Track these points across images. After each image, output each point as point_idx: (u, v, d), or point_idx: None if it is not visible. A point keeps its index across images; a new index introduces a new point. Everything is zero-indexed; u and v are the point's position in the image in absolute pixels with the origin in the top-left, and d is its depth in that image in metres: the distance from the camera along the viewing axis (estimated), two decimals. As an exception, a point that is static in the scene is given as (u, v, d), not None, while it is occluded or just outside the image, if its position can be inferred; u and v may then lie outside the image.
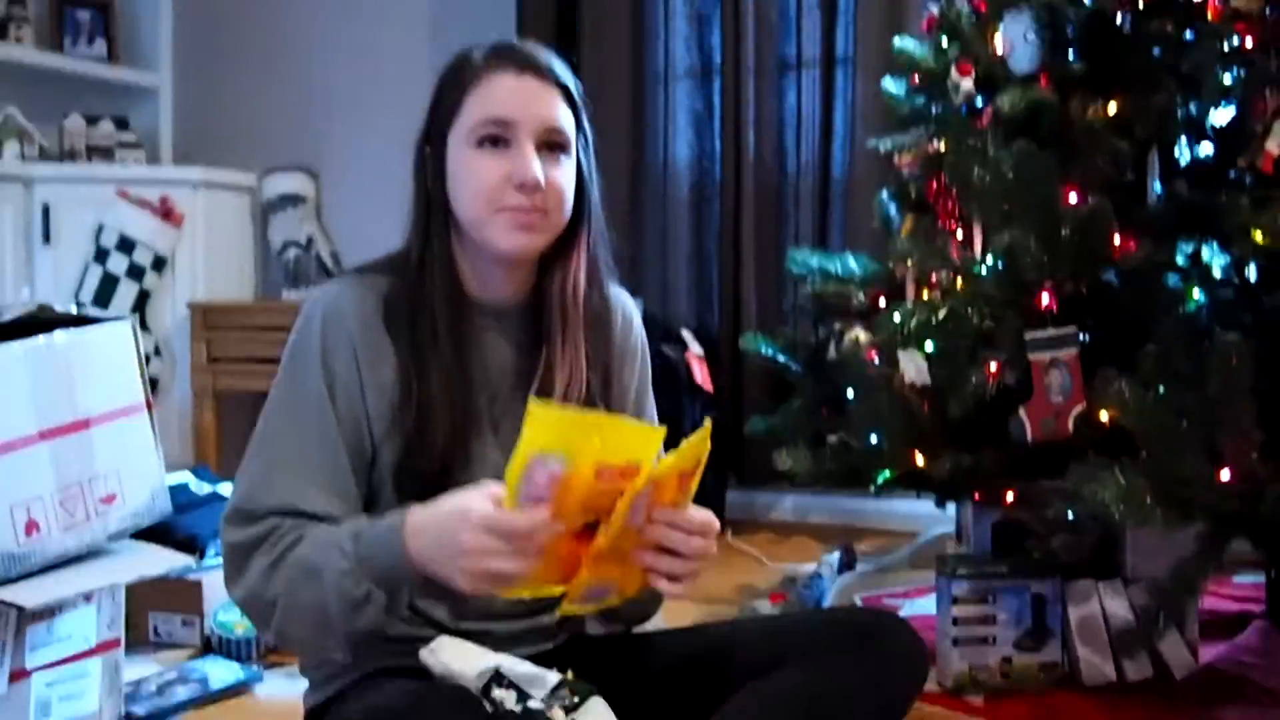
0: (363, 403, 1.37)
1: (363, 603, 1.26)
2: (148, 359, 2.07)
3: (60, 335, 1.90)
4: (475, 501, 1.20)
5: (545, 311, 1.45)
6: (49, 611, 1.85)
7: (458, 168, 1.40)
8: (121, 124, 4.36)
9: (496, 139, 1.37)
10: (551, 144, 1.39)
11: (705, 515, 1.26)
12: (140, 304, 3.98)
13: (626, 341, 1.57)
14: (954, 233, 2.21)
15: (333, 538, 1.28)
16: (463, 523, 1.18)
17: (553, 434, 1.13)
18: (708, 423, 1.21)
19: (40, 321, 1.91)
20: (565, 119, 1.40)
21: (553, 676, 1.33)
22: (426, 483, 1.36)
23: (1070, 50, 2.10)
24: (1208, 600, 2.40)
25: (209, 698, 2.12)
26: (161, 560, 2.03)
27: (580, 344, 1.46)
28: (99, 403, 1.93)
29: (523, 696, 1.31)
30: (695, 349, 3.28)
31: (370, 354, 1.37)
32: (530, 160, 1.35)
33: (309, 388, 1.36)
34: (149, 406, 2.02)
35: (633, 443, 1.19)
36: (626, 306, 1.60)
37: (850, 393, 2.27)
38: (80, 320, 1.97)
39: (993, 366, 1.92)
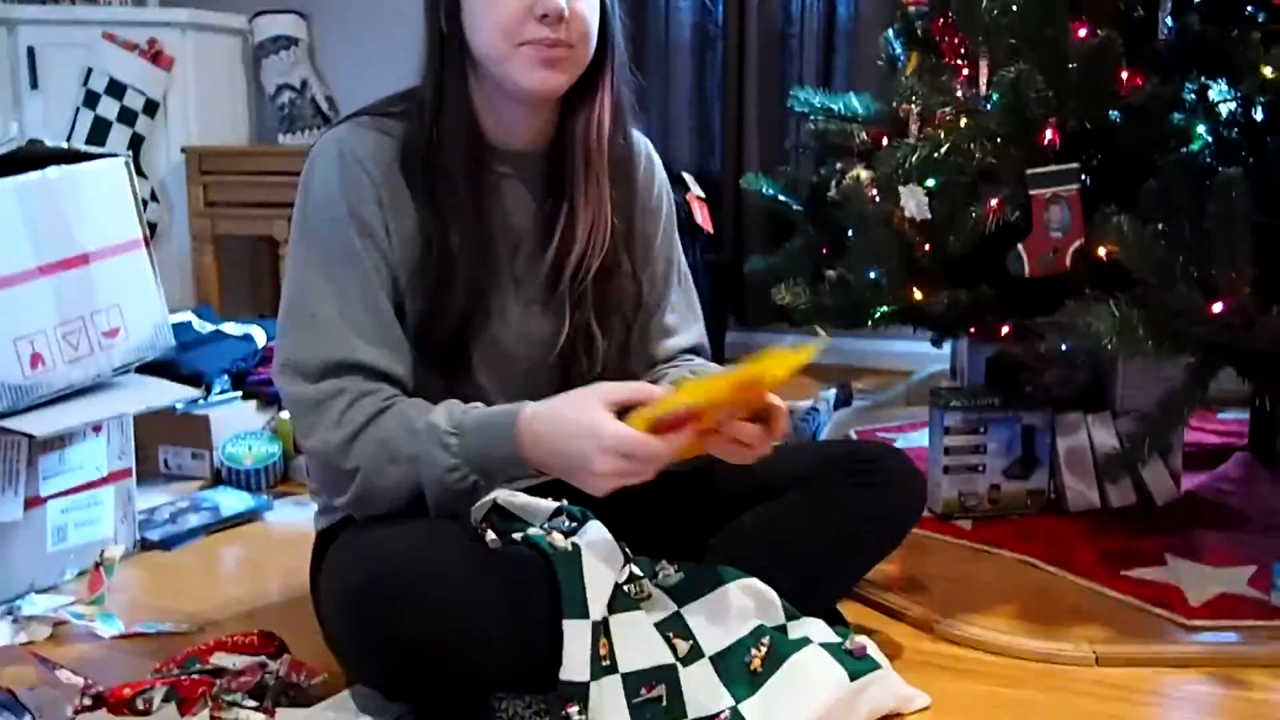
0: (391, 251, 1.34)
1: (467, 493, 1.28)
2: (144, 204, 2.07)
3: (54, 171, 1.90)
4: (604, 421, 1.20)
5: (567, 155, 1.41)
6: (59, 441, 1.90)
7: (474, 1, 1.33)
8: (106, -36, 4.26)
9: None
10: None
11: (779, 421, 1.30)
12: (134, 148, 3.95)
13: (650, 190, 1.54)
14: (960, 70, 2.18)
15: (430, 427, 1.27)
16: (593, 443, 1.20)
17: (699, 395, 1.20)
18: (820, 342, 1.26)
19: (33, 157, 1.90)
20: None
21: (549, 504, 1.36)
22: (448, 336, 1.37)
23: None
24: (1192, 434, 2.47)
25: (221, 524, 2.17)
26: (167, 392, 2.07)
27: (605, 188, 1.41)
28: (97, 238, 1.94)
29: (521, 525, 1.34)
30: (696, 190, 3.27)
31: (393, 201, 1.34)
32: None
33: (338, 235, 1.33)
34: (147, 243, 2.03)
35: (768, 367, 1.22)
36: (650, 153, 1.57)
37: (850, 231, 2.27)
38: (73, 156, 1.96)
39: (993, 202, 1.92)
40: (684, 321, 1.59)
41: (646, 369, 1.55)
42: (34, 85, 3.92)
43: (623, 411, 1.23)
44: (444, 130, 1.35)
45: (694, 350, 1.59)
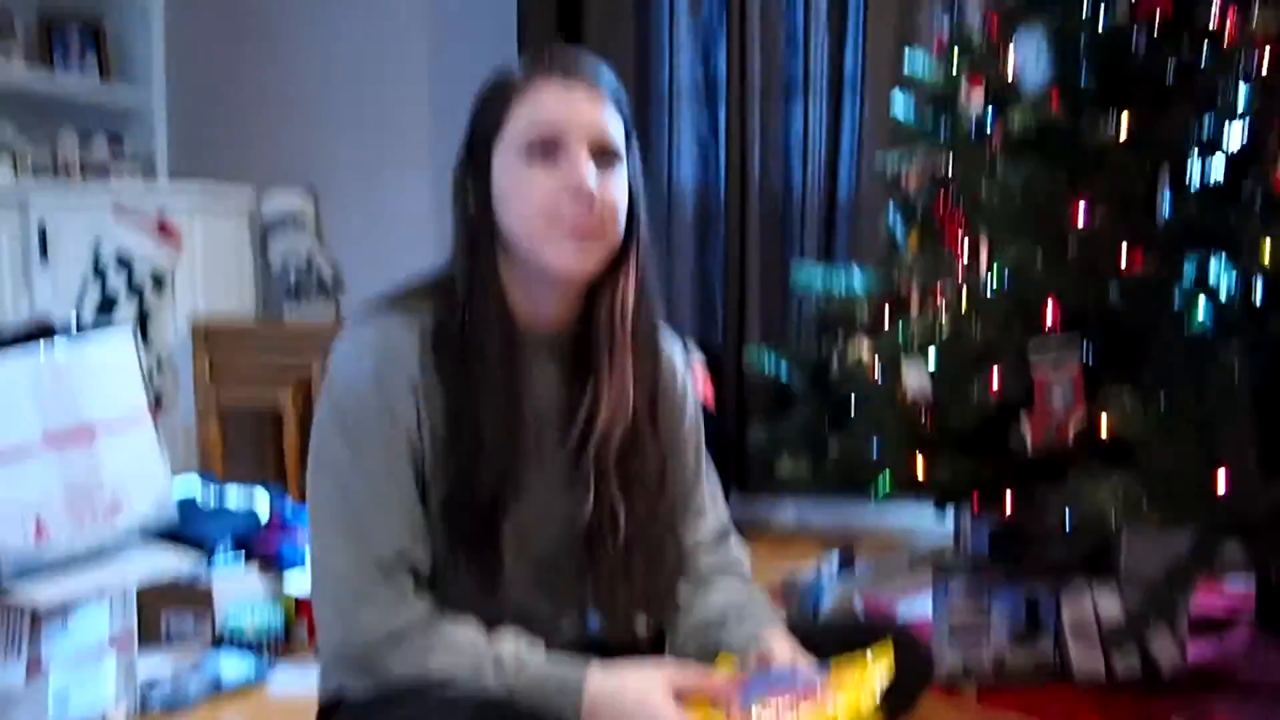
0: (420, 441, 1.33)
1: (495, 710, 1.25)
2: (150, 375, 2.10)
3: (61, 346, 1.93)
4: (663, 705, 1.21)
5: (593, 334, 1.40)
6: (63, 608, 1.88)
7: (507, 184, 1.32)
8: (116, 141, 4.37)
9: (547, 147, 1.29)
10: (603, 154, 1.32)
11: None
12: (141, 322, 3.99)
13: (674, 384, 1.52)
14: (959, 250, 2.24)
15: (495, 657, 1.27)
16: None
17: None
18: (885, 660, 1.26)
19: (41, 331, 1.94)
20: (615, 128, 1.34)
21: None
22: (477, 516, 1.35)
23: (1082, 68, 2.12)
24: (1198, 603, 2.45)
25: (223, 689, 2.14)
26: (171, 565, 2.06)
27: (628, 369, 1.40)
28: (102, 411, 1.96)
29: None
30: (698, 355, 3.31)
31: (425, 388, 1.33)
32: (585, 167, 1.28)
33: (371, 426, 1.31)
34: (153, 414, 2.05)
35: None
36: (675, 350, 1.56)
37: (852, 404, 2.31)
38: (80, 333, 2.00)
39: (995, 378, 1.95)
40: (712, 505, 1.60)
41: (681, 558, 1.54)
42: (44, 257, 3.98)
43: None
44: (476, 313, 1.34)
45: (721, 533, 1.59)
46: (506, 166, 1.32)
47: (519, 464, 1.38)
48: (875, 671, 1.26)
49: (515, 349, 1.37)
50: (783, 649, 1.35)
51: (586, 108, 1.31)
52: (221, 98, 4.47)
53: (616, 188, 1.34)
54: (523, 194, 1.31)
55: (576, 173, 1.28)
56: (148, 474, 2.02)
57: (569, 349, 1.42)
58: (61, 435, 1.89)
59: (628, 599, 1.48)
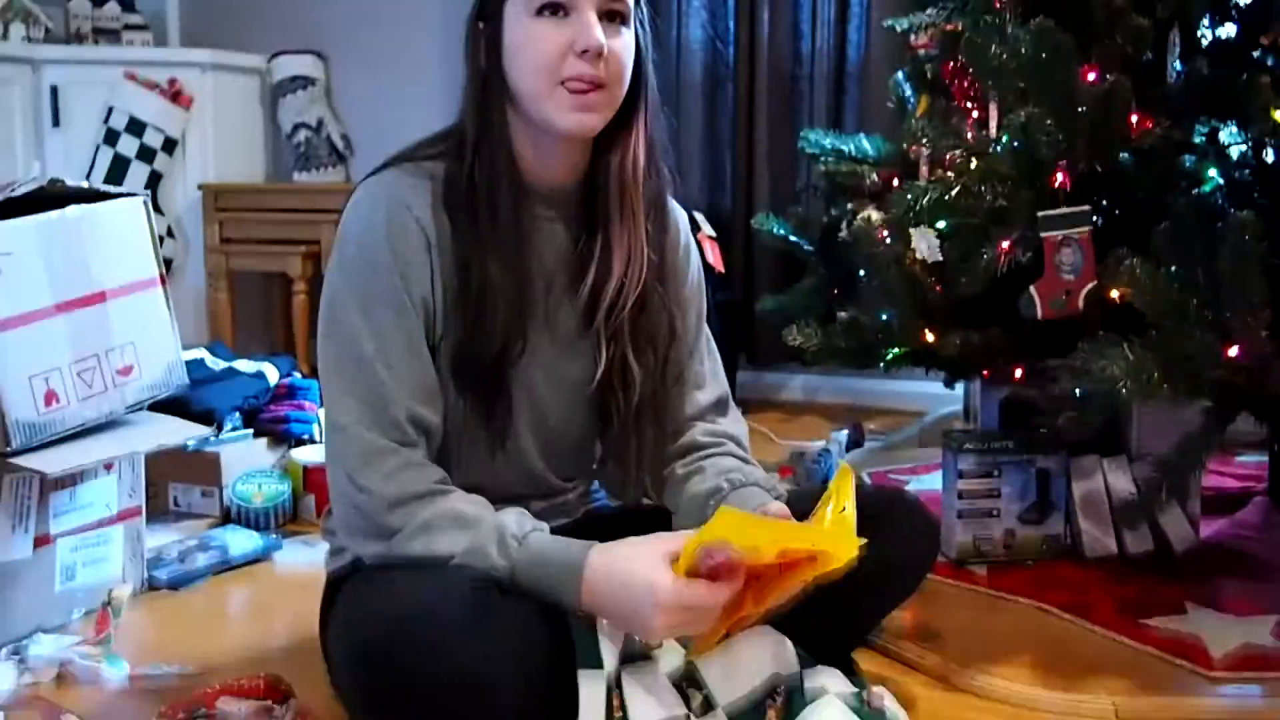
0: (432, 292, 1.36)
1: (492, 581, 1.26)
2: (161, 240, 2.08)
3: (73, 209, 1.91)
4: (660, 577, 1.19)
5: (602, 191, 1.42)
6: (70, 479, 1.90)
7: (516, 39, 1.34)
8: (127, 6, 4.31)
9: (557, 7, 1.32)
10: (611, 13, 1.35)
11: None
12: (152, 185, 3.98)
13: (678, 246, 1.55)
14: (969, 113, 2.19)
15: (497, 525, 1.27)
16: (648, 599, 1.19)
17: (733, 531, 1.18)
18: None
19: (53, 196, 1.92)
20: None
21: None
22: (484, 371, 1.37)
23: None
24: (1210, 478, 2.45)
25: (230, 565, 2.17)
26: (179, 430, 2.07)
27: (640, 224, 1.43)
28: (113, 276, 1.95)
29: None
30: (707, 230, 3.28)
31: (439, 242, 1.35)
32: (592, 26, 1.31)
33: (383, 280, 1.33)
34: (163, 281, 2.04)
35: (819, 538, 1.22)
36: (684, 221, 1.58)
37: (861, 272, 2.27)
38: (92, 195, 1.98)
39: (1005, 244, 1.92)
40: (712, 373, 1.59)
41: (681, 425, 1.54)
42: (55, 123, 3.96)
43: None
44: (485, 166, 1.37)
45: (719, 403, 1.58)
46: (517, 22, 1.34)
47: (525, 318, 1.39)
48: (842, 488, 1.27)
49: (523, 201, 1.39)
50: (781, 510, 1.35)
51: None
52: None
53: (623, 47, 1.36)
54: (530, 49, 1.33)
55: (584, 29, 1.31)
56: (158, 340, 2.01)
57: (576, 205, 1.44)
58: (73, 300, 1.88)
59: (637, 459, 1.50)
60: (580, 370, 1.46)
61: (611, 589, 1.23)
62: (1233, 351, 1.69)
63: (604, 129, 1.39)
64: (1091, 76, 1.93)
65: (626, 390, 1.46)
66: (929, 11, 2.35)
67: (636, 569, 1.22)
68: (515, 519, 1.30)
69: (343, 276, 1.35)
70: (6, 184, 1.92)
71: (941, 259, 1.98)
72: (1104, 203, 2.05)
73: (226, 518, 2.39)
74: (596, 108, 1.34)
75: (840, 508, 1.26)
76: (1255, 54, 1.98)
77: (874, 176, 2.40)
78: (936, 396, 3.05)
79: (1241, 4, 2.02)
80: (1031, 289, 1.89)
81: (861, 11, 3.43)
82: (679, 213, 1.57)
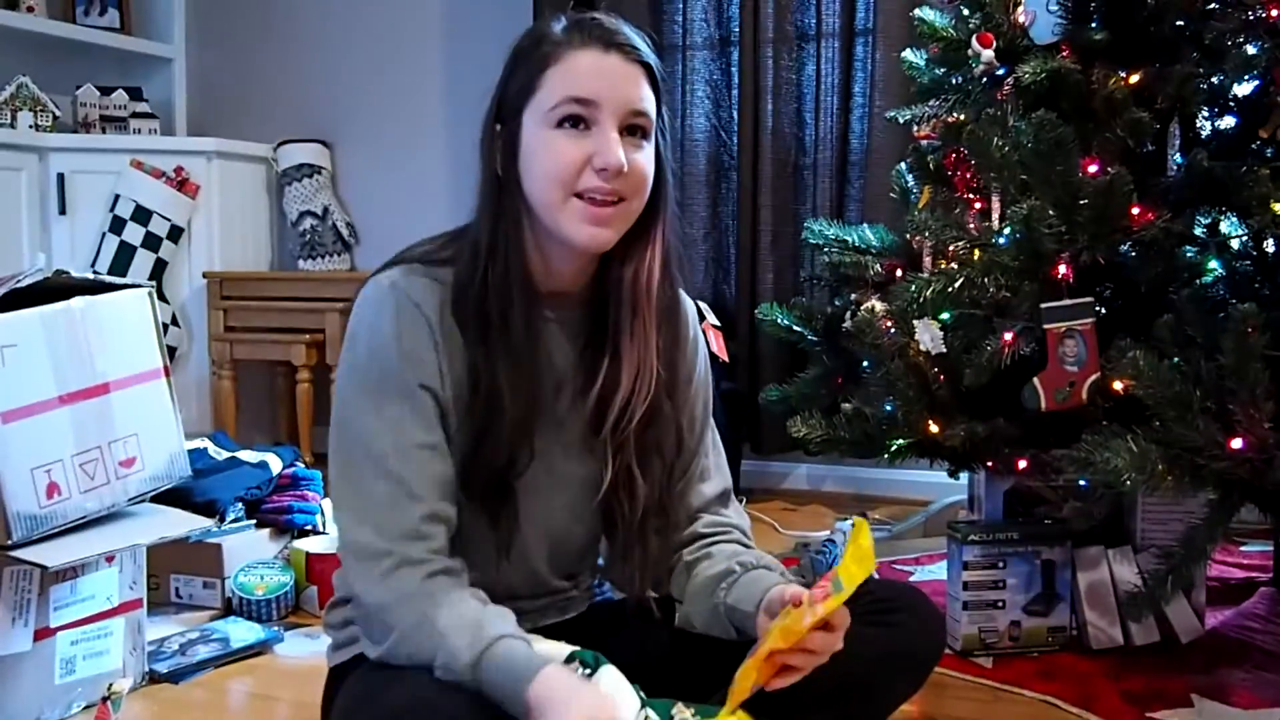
0: (444, 392, 1.33)
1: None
2: (165, 328, 2.09)
3: (78, 301, 1.92)
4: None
5: (614, 302, 1.38)
6: (71, 571, 1.89)
7: (534, 147, 1.30)
8: (135, 94, 4.37)
9: (578, 119, 1.28)
10: (633, 127, 1.30)
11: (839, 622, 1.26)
12: (157, 274, 4.00)
13: (688, 337, 1.52)
14: (972, 203, 2.21)
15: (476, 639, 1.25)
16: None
17: (779, 641, 1.22)
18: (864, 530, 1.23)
19: (57, 287, 1.93)
20: (648, 101, 1.32)
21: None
22: (493, 476, 1.36)
23: (1093, 20, 2.09)
24: (1215, 568, 2.43)
25: (230, 656, 2.14)
26: (181, 523, 2.06)
27: (651, 337, 1.39)
28: (117, 367, 1.95)
29: None
30: (711, 319, 3.29)
31: (447, 344, 1.33)
32: (614, 143, 1.27)
33: (394, 376, 1.31)
34: (167, 372, 2.05)
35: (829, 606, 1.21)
36: (693, 315, 1.55)
37: (865, 362, 2.28)
38: (98, 287, 1.99)
39: (1008, 336, 1.93)
40: (716, 466, 1.59)
41: (685, 519, 1.53)
42: (62, 211, 3.99)
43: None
44: (498, 273, 1.33)
45: (723, 495, 1.58)
46: (535, 130, 1.30)
47: (535, 424, 1.37)
48: (859, 538, 1.23)
49: (535, 312, 1.36)
50: (795, 591, 1.32)
51: (622, 80, 1.30)
52: (240, 51, 4.47)
53: (644, 161, 1.31)
54: (547, 160, 1.29)
55: (605, 145, 1.27)
56: (160, 432, 2.01)
57: (583, 312, 1.42)
58: (76, 391, 1.88)
59: (642, 560, 1.48)
60: (587, 475, 1.44)
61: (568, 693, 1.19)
62: (1236, 443, 1.70)
63: (624, 238, 1.36)
64: (1093, 168, 1.96)
65: (632, 500, 1.44)
66: (931, 104, 2.39)
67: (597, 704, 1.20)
68: (501, 622, 1.27)
69: (353, 378, 1.34)
70: (11, 275, 1.93)
71: (945, 350, 1.99)
72: (1107, 292, 2.07)
73: (228, 609, 2.37)
74: (612, 222, 1.31)
75: (858, 545, 1.23)
76: (1254, 145, 2.01)
77: (877, 267, 2.41)
78: (941, 485, 3.03)
79: (1239, 95, 2.06)
80: (1035, 381, 1.90)
81: (865, 101, 3.46)
82: (688, 306, 1.57)
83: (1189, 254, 1.98)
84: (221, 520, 2.39)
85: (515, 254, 1.34)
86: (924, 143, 2.49)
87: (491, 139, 1.35)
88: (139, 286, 2.05)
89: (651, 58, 1.34)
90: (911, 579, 2.55)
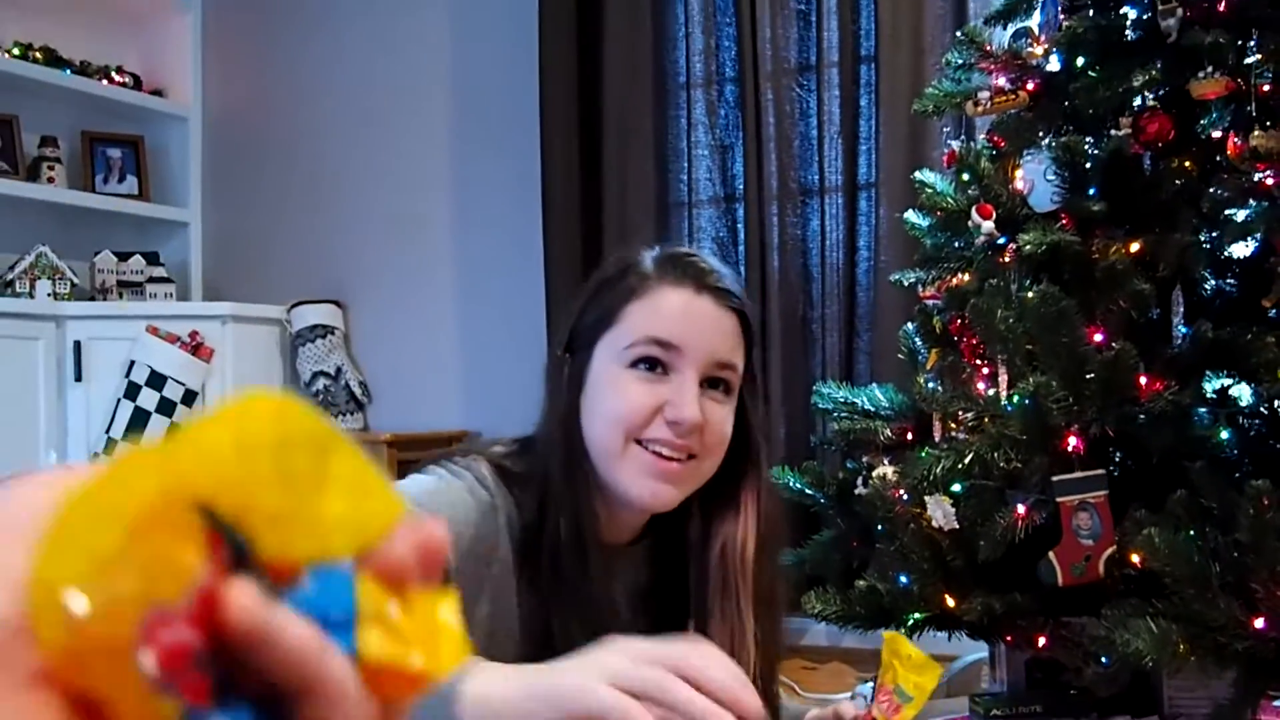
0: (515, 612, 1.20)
1: None
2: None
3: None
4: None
5: (697, 579, 1.23)
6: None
7: (600, 384, 1.19)
8: (152, 259, 4.45)
9: (655, 362, 1.17)
10: (715, 380, 1.19)
11: None
12: (171, 437, 4.01)
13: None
14: (980, 368, 2.22)
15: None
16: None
17: None
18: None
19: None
20: (736, 353, 1.21)
21: None
22: None
23: (1090, 189, 2.12)
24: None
25: None
26: None
27: (748, 625, 1.22)
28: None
29: None
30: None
31: (499, 580, 1.20)
32: (692, 395, 1.15)
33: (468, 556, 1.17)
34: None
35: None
36: None
37: (879, 529, 2.26)
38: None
39: (1020, 509, 1.91)
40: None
41: None
42: (78, 378, 4.03)
43: None
44: (569, 528, 1.18)
45: None
46: (606, 365, 1.19)
47: None
48: (901, 649, 1.18)
49: (604, 566, 1.21)
50: (850, 707, 1.26)
51: (711, 327, 1.19)
52: (254, 215, 4.56)
53: (723, 418, 1.19)
54: (614, 399, 1.17)
55: (681, 396, 1.15)
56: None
57: (643, 570, 1.29)
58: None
59: None
60: None
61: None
62: (1259, 623, 1.67)
63: (707, 502, 1.23)
64: (1098, 338, 1.96)
65: None
66: (935, 267, 2.41)
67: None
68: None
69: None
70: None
71: (958, 526, 1.97)
72: (1118, 460, 2.06)
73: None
74: (679, 480, 1.17)
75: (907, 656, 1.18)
76: (1259, 309, 2.01)
77: (888, 431, 2.41)
78: (963, 642, 2.98)
79: (1240, 257, 2.07)
80: (1051, 555, 1.88)
81: (870, 255, 3.50)
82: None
83: (1200, 420, 1.97)
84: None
85: (588, 510, 1.19)
86: (930, 303, 2.50)
87: (558, 365, 1.23)
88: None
89: (747, 305, 1.23)
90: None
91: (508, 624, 1.22)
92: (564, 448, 1.20)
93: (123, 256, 4.39)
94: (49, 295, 4.10)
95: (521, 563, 1.19)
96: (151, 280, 4.41)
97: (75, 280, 4.20)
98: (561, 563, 1.18)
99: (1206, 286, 2.14)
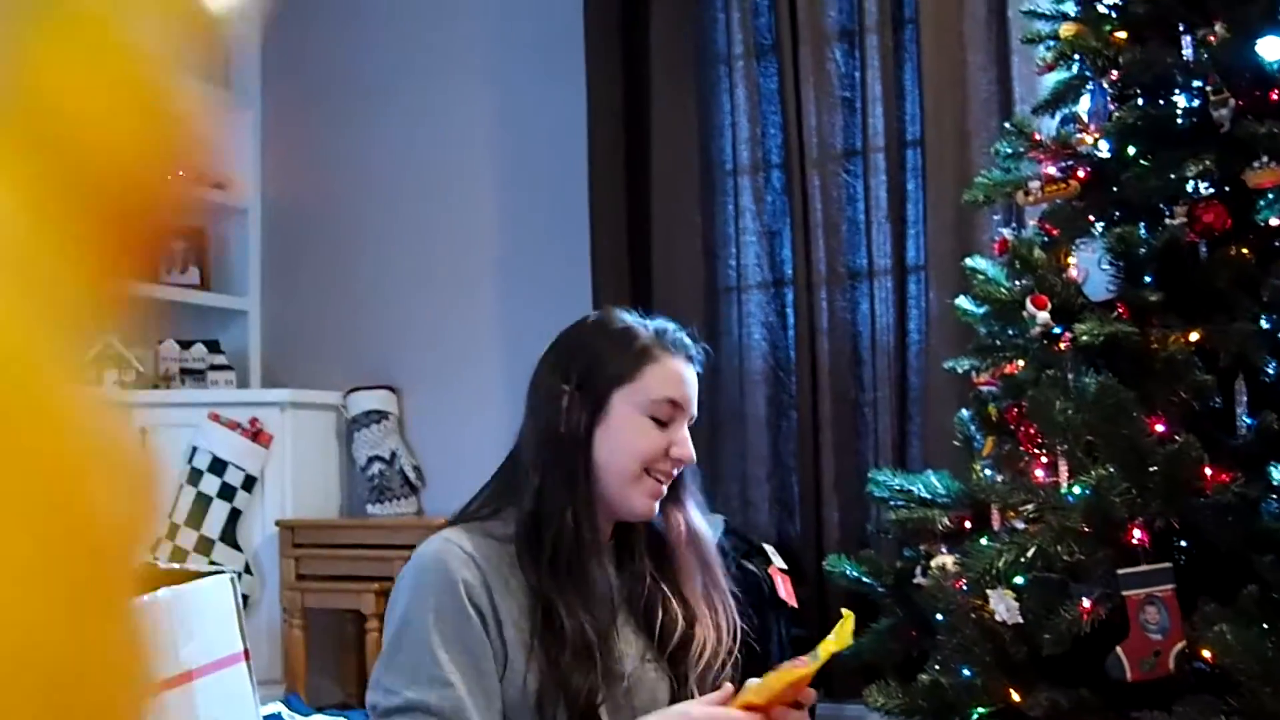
0: (499, 633, 1.41)
1: None
2: (239, 575, 2.12)
3: (164, 593, 1.95)
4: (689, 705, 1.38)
5: (671, 559, 1.55)
6: None
7: (624, 426, 1.48)
8: (213, 346, 4.52)
9: (666, 413, 1.48)
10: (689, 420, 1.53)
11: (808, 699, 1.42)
12: (231, 522, 4.07)
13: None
14: (1038, 456, 2.21)
15: None
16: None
17: (763, 696, 1.35)
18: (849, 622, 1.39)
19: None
20: None
21: None
22: (574, 710, 1.41)
23: (1146, 277, 2.12)
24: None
25: None
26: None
27: (728, 597, 1.56)
28: (200, 655, 1.97)
29: None
30: (778, 562, 3.27)
31: (500, 586, 1.42)
32: (689, 441, 1.50)
33: (450, 615, 1.38)
34: (247, 655, 2.06)
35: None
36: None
37: (939, 619, 2.25)
38: (181, 575, 2.03)
39: (1086, 603, 1.90)
40: None
41: None
42: (141, 465, 4.09)
43: None
44: (566, 526, 1.45)
45: None
46: (628, 411, 1.48)
47: (602, 653, 1.45)
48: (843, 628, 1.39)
49: (591, 554, 1.47)
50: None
51: (693, 390, 1.53)
52: (311, 304, 4.63)
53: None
54: (637, 442, 1.48)
55: (683, 442, 1.50)
56: (240, 716, 2.01)
57: (613, 555, 1.56)
58: (162, 683, 1.90)
59: None
60: (660, 685, 1.51)
61: None
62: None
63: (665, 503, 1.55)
64: (1160, 429, 1.96)
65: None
66: (989, 355, 2.42)
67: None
68: None
69: (407, 614, 1.40)
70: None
71: (1021, 619, 1.96)
72: (1185, 551, 2.04)
73: None
74: (661, 495, 1.51)
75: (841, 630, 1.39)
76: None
77: (945, 520, 2.40)
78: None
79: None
80: (1119, 650, 1.87)
81: (920, 339, 3.48)
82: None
83: (1268, 511, 1.96)
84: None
85: (587, 515, 1.47)
86: (984, 389, 2.51)
87: (557, 395, 1.50)
88: (222, 572, 2.08)
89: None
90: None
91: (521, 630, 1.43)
92: (568, 464, 1.47)
93: (185, 345, 4.47)
94: (114, 384, 4.16)
95: (525, 566, 1.44)
96: (213, 368, 4.48)
97: (140, 369, 4.28)
98: (560, 559, 1.44)
99: (1268, 373, 2.13)
